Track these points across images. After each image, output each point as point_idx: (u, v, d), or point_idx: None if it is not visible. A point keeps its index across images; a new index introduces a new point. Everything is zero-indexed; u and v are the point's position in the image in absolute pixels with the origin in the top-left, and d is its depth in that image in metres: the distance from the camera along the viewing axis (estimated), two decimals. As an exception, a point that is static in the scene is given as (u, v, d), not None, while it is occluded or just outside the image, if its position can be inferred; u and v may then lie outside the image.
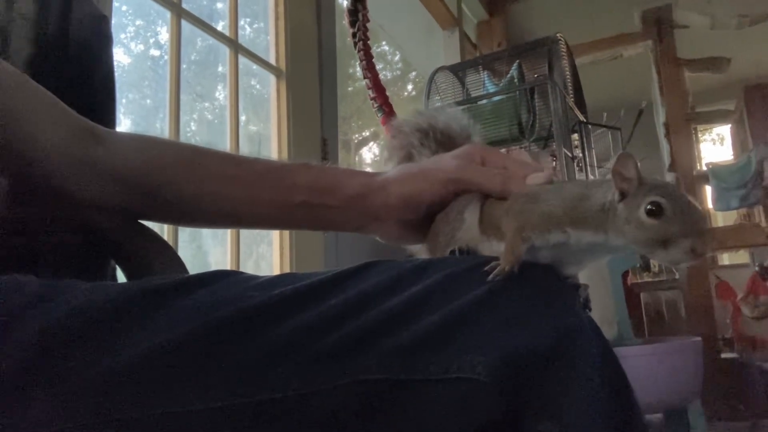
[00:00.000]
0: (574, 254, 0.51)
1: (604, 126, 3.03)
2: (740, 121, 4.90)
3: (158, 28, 1.91)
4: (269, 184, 0.61)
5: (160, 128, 1.60)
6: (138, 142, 0.63)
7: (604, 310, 1.79)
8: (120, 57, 1.93)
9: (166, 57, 1.66)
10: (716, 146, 6.12)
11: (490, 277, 0.46)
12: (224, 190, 0.61)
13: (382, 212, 0.62)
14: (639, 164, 0.47)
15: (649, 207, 0.44)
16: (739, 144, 5.12)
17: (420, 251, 0.66)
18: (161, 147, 0.64)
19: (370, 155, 5.53)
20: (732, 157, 5.20)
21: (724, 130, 5.75)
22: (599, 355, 0.44)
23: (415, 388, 0.42)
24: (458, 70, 2.61)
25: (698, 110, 4.09)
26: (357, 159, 5.23)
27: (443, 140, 0.70)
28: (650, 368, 1.76)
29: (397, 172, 0.63)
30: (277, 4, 2.01)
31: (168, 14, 1.60)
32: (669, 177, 3.54)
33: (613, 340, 1.83)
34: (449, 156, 0.62)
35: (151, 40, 1.94)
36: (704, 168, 3.93)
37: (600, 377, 0.43)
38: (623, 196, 0.46)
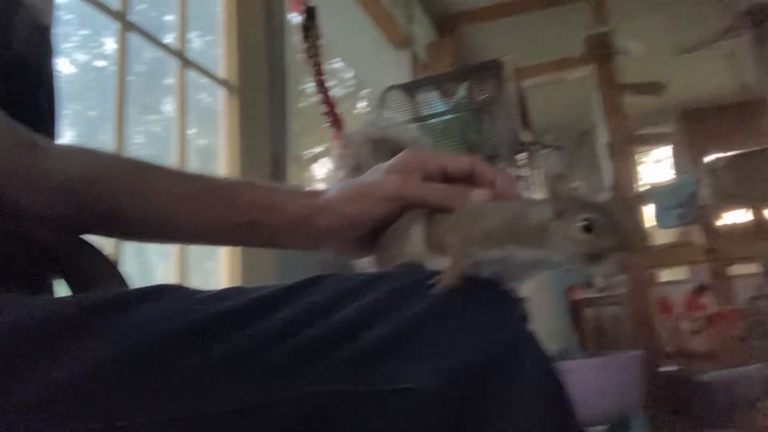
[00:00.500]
0: (515, 269, 0.53)
1: (549, 146, 3.12)
2: (677, 143, 5.13)
3: (103, 39, 1.87)
4: (214, 201, 0.61)
5: (105, 140, 1.56)
6: (81, 154, 0.62)
7: (549, 325, 1.83)
8: (63, 67, 1.88)
9: (111, 68, 1.62)
10: (656, 167, 6.39)
11: (435, 289, 0.47)
12: (168, 206, 0.60)
13: (325, 233, 0.62)
14: (578, 184, 0.50)
15: (582, 224, 0.47)
16: (676, 165, 5.35)
17: (369, 265, 0.67)
18: (104, 160, 0.63)
19: (322, 171, 5.52)
20: (670, 178, 5.43)
21: (663, 152, 6.00)
22: (540, 367, 0.46)
23: (361, 400, 0.42)
24: (409, 89, 2.65)
25: (638, 132, 4.27)
26: (309, 175, 5.22)
27: (394, 152, 0.71)
28: (593, 381, 1.81)
29: (340, 191, 0.63)
30: (227, 19, 2.00)
31: (114, 26, 1.57)
32: (607, 196, 3.67)
33: (558, 354, 1.87)
34: (388, 168, 0.62)
35: (96, 51, 1.90)
36: (644, 188, 4.09)
37: (540, 389, 0.45)
38: (559, 214, 0.48)
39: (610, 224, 0.47)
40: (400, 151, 0.71)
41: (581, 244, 0.47)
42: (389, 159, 0.69)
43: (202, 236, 0.64)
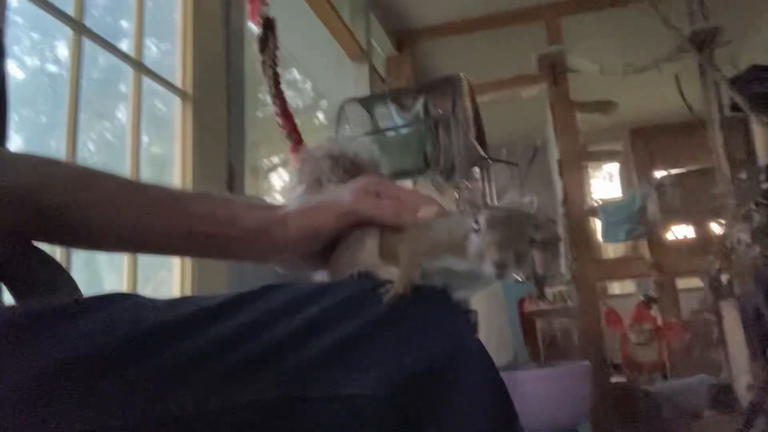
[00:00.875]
0: (461, 279, 0.55)
1: (504, 162, 3.19)
2: (626, 160, 5.30)
3: (56, 43, 1.83)
4: (166, 213, 0.60)
5: (56, 147, 1.53)
6: (29, 161, 0.61)
7: (502, 336, 1.86)
8: (13, 71, 1.83)
9: (64, 73, 1.59)
10: (606, 183, 6.58)
11: (385, 299, 0.49)
12: (119, 215, 0.59)
13: (281, 245, 0.62)
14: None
15: (474, 226, 0.50)
16: (625, 181, 5.52)
17: (324, 277, 0.68)
18: (54, 167, 0.61)
19: (279, 182, 5.49)
20: (619, 194, 5.60)
21: (613, 168, 6.19)
22: (484, 376, 0.47)
23: (310, 406, 0.43)
24: (367, 102, 2.68)
25: (589, 149, 4.39)
26: (266, 186, 5.18)
27: (352, 169, 0.72)
28: (543, 391, 1.84)
29: (296, 206, 0.64)
30: (184, 27, 1.98)
31: (69, 31, 1.54)
32: (560, 210, 3.76)
33: (510, 365, 1.91)
34: (346, 188, 0.64)
35: (48, 55, 1.86)
36: (594, 203, 4.21)
37: (484, 397, 0.46)
38: (477, 223, 0.51)
39: (498, 225, 0.50)
40: (358, 168, 0.72)
41: (471, 244, 0.50)
42: (349, 174, 0.71)
43: (153, 247, 0.63)
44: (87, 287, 0.64)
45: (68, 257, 1.39)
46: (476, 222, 0.50)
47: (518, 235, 0.51)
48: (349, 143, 0.74)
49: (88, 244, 0.65)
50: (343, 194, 0.63)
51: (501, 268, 0.49)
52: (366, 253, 0.61)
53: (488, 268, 0.49)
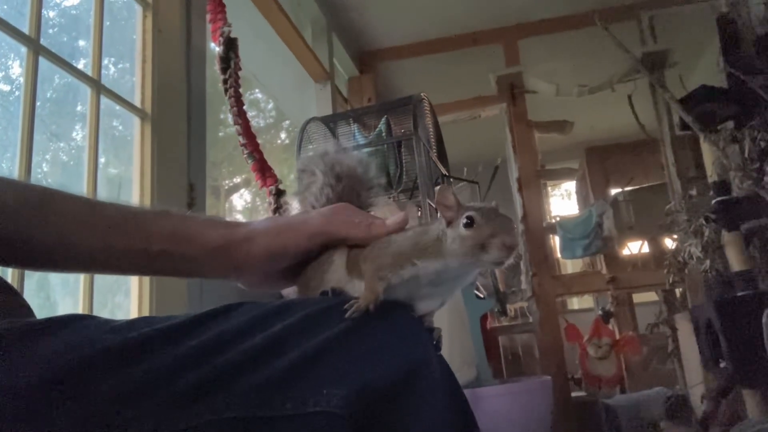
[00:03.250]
0: (426, 288, 0.57)
1: (465, 180, 3.24)
2: (583, 178, 5.43)
3: (9, 62, 1.79)
4: (125, 231, 0.60)
5: (8, 168, 1.49)
6: None
7: (464, 353, 1.88)
8: (-37, 90, 1.78)
9: (17, 93, 1.56)
10: (564, 200, 6.72)
11: (348, 314, 0.49)
12: (77, 236, 0.58)
13: (244, 263, 0.62)
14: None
15: (464, 221, 0.53)
16: (582, 199, 5.65)
17: (292, 294, 0.68)
18: (6, 188, 0.60)
19: (241, 202, 5.44)
20: (577, 211, 5.72)
21: (571, 186, 6.33)
22: (445, 387, 0.48)
23: (272, 425, 0.43)
24: (330, 122, 2.69)
25: (547, 168, 4.49)
26: (227, 206, 5.12)
27: (344, 179, 0.73)
28: (505, 406, 1.86)
29: (265, 225, 0.64)
30: (144, 47, 1.97)
31: (23, 49, 1.51)
32: (520, 228, 3.83)
33: (473, 382, 1.92)
34: (317, 212, 0.65)
35: (1, 74, 1.82)
36: (553, 220, 4.29)
37: (445, 406, 0.47)
38: (449, 222, 0.55)
39: (488, 216, 0.54)
40: (351, 178, 0.73)
41: (467, 238, 0.53)
42: (340, 183, 0.72)
43: (113, 266, 0.63)
44: (40, 314, 0.62)
45: (21, 281, 1.35)
46: (468, 219, 0.53)
47: (510, 223, 0.54)
48: (348, 155, 0.75)
49: (46, 266, 0.64)
50: (314, 216, 0.64)
51: (507, 253, 0.52)
52: (333, 271, 0.62)
53: (491, 255, 0.52)
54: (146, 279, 1.76)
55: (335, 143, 0.76)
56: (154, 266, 0.63)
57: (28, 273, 1.39)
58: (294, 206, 0.74)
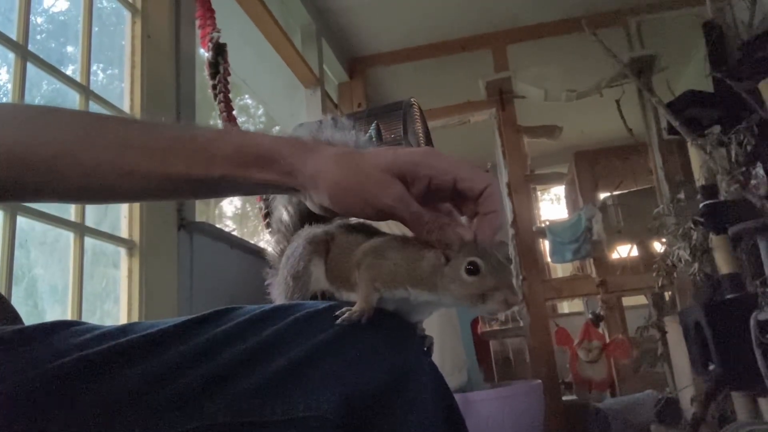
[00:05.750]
0: (415, 307, 0.56)
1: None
2: (572, 182, 5.46)
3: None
4: (184, 154, 0.54)
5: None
6: (21, 111, 0.56)
7: (455, 358, 1.88)
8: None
9: (5, 99, 1.55)
10: (553, 205, 6.75)
11: (339, 320, 0.49)
12: (129, 159, 0.53)
13: (304, 196, 0.56)
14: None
15: (468, 267, 0.51)
16: (571, 203, 5.67)
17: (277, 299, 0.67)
18: (52, 115, 0.55)
19: (231, 208, 5.43)
20: (566, 215, 5.75)
21: (560, 190, 6.36)
22: (435, 392, 0.49)
23: (263, 430, 0.43)
24: (319, 127, 2.69)
25: (536, 172, 4.51)
26: (217, 212, 5.11)
27: None
28: (496, 410, 1.87)
29: (334, 170, 0.54)
30: (133, 52, 1.96)
31: (11, 55, 1.50)
32: (510, 232, 3.84)
33: (464, 386, 1.92)
34: (390, 169, 0.53)
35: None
36: (542, 224, 4.31)
37: (435, 411, 0.47)
38: (448, 259, 0.52)
39: (493, 266, 0.51)
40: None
41: (468, 285, 0.51)
42: None
43: (170, 192, 0.57)
44: (28, 319, 0.62)
45: (9, 287, 1.34)
46: (472, 266, 0.51)
47: (511, 274, 0.52)
48: (342, 132, 0.68)
49: (94, 194, 0.58)
50: (390, 182, 0.53)
51: (506, 308, 0.50)
52: (314, 280, 0.61)
53: (490, 308, 0.50)
54: (135, 285, 1.75)
55: (331, 119, 0.69)
56: (214, 190, 0.58)
57: (15, 281, 1.38)
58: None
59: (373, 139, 2.46)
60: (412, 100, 2.57)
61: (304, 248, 0.62)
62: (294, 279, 0.62)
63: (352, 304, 0.53)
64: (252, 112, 4.70)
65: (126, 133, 0.55)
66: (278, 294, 0.65)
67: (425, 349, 0.57)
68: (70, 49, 1.87)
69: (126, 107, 1.91)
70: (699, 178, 2.70)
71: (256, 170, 0.54)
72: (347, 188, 0.53)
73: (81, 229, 1.61)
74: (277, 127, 4.08)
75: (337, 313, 0.50)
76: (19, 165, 0.51)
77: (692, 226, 2.69)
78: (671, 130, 2.97)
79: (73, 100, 1.74)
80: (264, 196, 2.16)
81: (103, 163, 0.53)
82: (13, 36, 1.50)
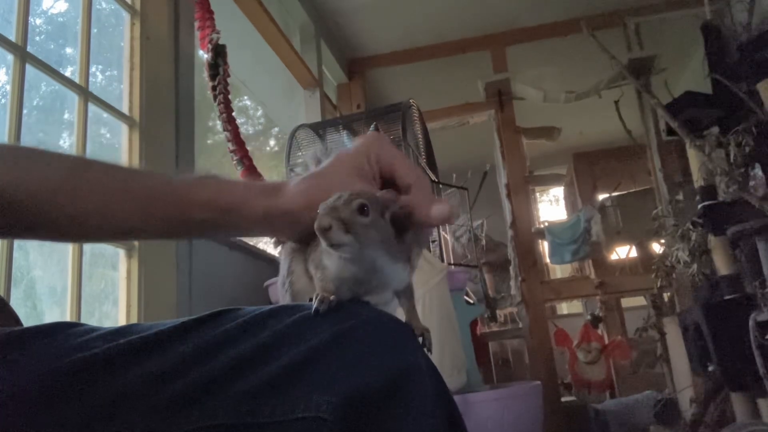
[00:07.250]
0: (363, 283, 0.55)
1: (454, 186, 3.25)
2: (571, 183, 5.46)
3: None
4: (164, 201, 0.58)
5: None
6: (7, 155, 0.57)
7: (454, 359, 1.88)
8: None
9: (3, 100, 1.55)
10: (552, 206, 6.76)
11: (314, 305, 0.49)
12: (114, 206, 0.56)
13: (287, 231, 0.60)
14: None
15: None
16: (570, 204, 5.68)
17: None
18: (37, 160, 0.57)
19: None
20: (565, 216, 5.76)
21: (559, 192, 6.37)
22: (434, 393, 0.48)
23: (262, 431, 0.43)
24: (319, 129, 2.69)
25: (535, 173, 4.51)
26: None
27: None
28: (495, 412, 1.86)
29: (304, 196, 0.57)
30: (132, 54, 1.96)
31: (10, 57, 1.50)
32: (509, 233, 3.85)
33: (463, 387, 1.92)
34: (349, 171, 0.58)
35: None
36: (541, 225, 4.32)
37: (435, 412, 0.47)
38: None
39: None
40: None
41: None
42: None
43: (153, 234, 0.61)
44: (27, 322, 0.62)
45: (8, 289, 1.34)
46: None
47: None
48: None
49: (82, 236, 0.62)
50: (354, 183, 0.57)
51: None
52: (296, 278, 0.61)
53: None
54: (134, 286, 1.75)
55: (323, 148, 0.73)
56: (194, 232, 0.62)
57: (14, 282, 1.38)
58: None
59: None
60: (411, 101, 2.58)
61: (287, 250, 0.63)
62: (282, 279, 0.62)
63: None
64: (251, 114, 4.71)
65: (110, 180, 0.58)
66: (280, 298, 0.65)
67: (424, 346, 0.57)
68: (69, 50, 1.87)
69: (125, 109, 1.91)
70: (698, 179, 2.70)
71: (229, 216, 0.58)
72: (313, 203, 0.55)
73: (80, 231, 1.61)
74: (277, 129, 4.09)
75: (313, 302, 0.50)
76: (8, 207, 0.53)
77: (691, 227, 2.70)
78: (670, 131, 2.98)
79: (72, 101, 1.74)
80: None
81: (90, 212, 0.56)
82: (12, 37, 1.50)
